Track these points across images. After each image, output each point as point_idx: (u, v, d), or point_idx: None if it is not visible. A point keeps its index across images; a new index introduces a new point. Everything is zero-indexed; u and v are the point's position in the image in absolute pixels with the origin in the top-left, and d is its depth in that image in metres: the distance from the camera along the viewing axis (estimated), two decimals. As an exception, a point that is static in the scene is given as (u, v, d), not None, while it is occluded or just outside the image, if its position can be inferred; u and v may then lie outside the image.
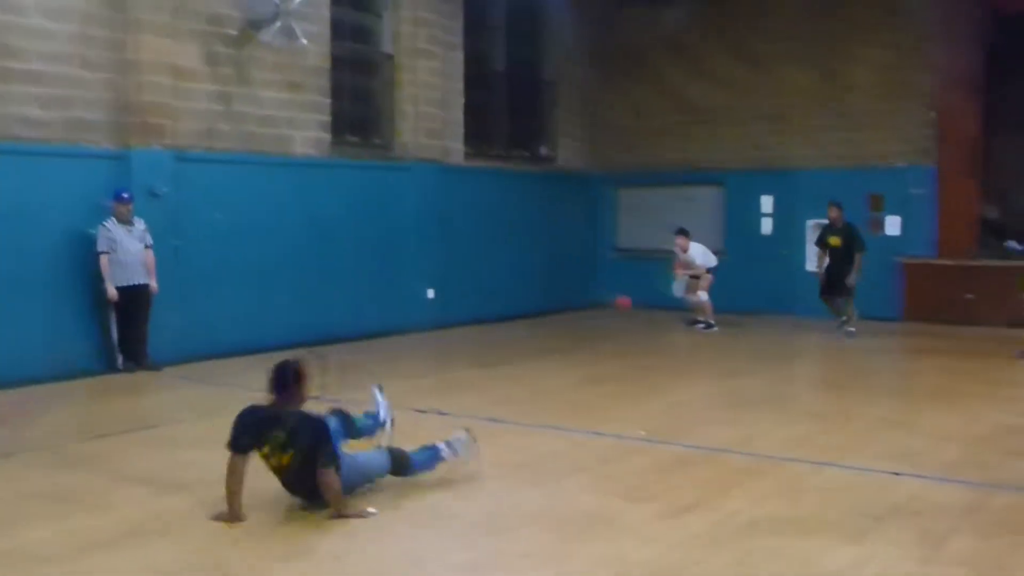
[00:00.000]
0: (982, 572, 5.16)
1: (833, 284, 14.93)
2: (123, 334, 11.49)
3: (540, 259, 17.84)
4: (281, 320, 13.14)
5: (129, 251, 11.34)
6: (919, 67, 16.48)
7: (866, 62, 16.89)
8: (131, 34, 11.58)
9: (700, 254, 15.87)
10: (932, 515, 6.10)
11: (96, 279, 11.26)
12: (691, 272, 15.84)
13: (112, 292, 11.23)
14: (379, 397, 7.42)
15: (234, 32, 12.70)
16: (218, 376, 11.23)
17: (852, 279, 14.70)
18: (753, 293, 17.37)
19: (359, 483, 6.29)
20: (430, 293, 15.39)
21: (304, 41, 13.01)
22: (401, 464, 6.51)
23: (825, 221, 15.43)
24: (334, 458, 5.94)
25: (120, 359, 11.47)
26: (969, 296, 15.88)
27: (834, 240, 14.97)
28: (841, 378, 11.88)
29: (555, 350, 13.84)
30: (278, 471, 6.03)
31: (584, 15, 18.61)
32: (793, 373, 12.39)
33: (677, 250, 15.92)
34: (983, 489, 6.71)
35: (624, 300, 15.81)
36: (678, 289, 15.98)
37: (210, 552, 5.42)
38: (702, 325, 15.74)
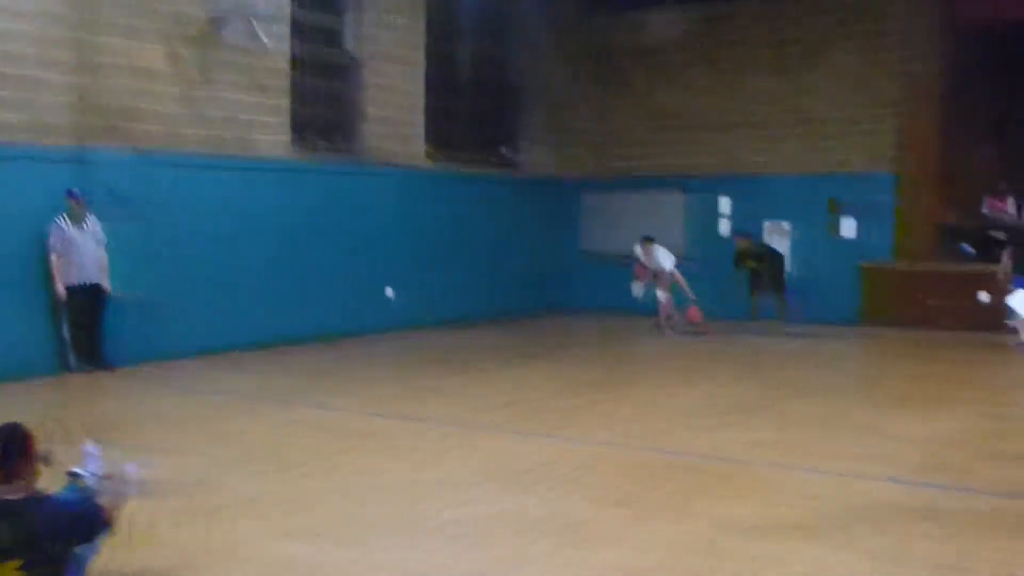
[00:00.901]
0: (943, 571, 5.23)
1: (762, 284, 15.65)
2: (76, 334, 11.34)
3: (506, 262, 17.84)
4: (243, 322, 13.06)
5: (82, 250, 11.22)
6: (882, 75, 16.69)
7: (830, 69, 17.07)
8: (93, 35, 11.48)
9: (663, 257, 15.92)
10: (894, 516, 6.18)
11: (51, 278, 11.16)
12: (655, 276, 15.90)
13: (60, 291, 11.11)
14: (93, 451, 4.76)
15: (196, 33, 12.61)
16: (175, 378, 11.12)
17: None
18: (713, 297, 17.46)
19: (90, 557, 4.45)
20: (388, 292, 15.30)
21: (267, 41, 12.93)
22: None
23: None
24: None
25: (72, 359, 11.32)
26: (928, 300, 16.09)
27: (750, 264, 15.66)
28: (804, 382, 11.97)
29: (524, 354, 13.75)
30: None
31: (552, 20, 18.64)
32: (757, 378, 12.46)
33: (641, 254, 15.97)
34: (948, 492, 6.80)
35: (695, 313, 15.64)
36: (637, 290, 16.05)
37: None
38: (702, 335, 15.82)
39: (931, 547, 5.64)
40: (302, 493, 6.69)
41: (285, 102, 13.90)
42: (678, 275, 15.79)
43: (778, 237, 17.25)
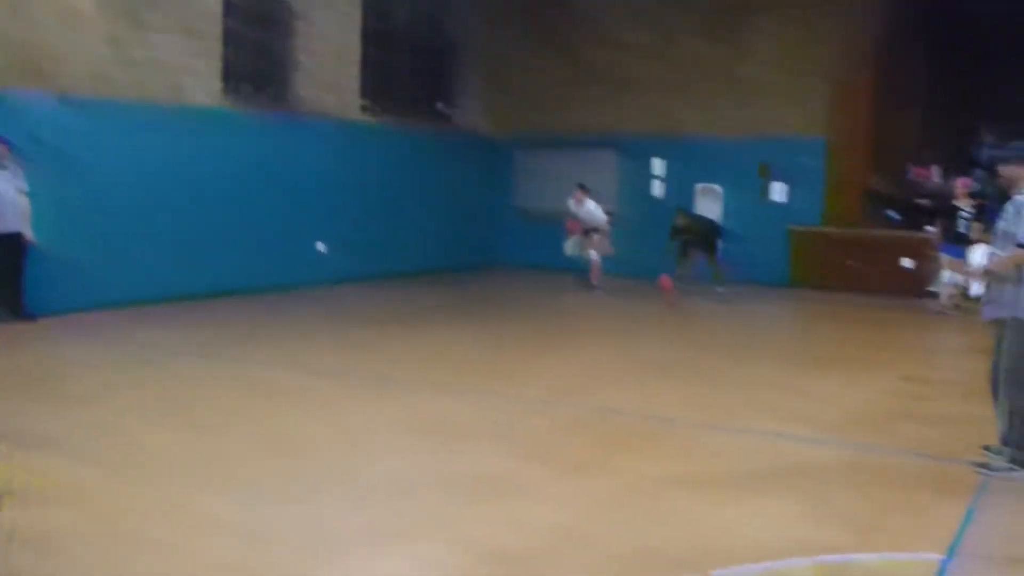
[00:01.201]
0: (861, 529, 5.35)
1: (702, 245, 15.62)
2: None
3: (439, 218, 17.77)
4: (170, 274, 12.87)
5: (3, 198, 10.91)
6: (816, 40, 16.83)
7: (764, 33, 17.17)
8: (16, -28, 11.14)
9: (593, 210, 15.95)
10: (814, 475, 6.31)
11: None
12: (587, 229, 15.92)
13: None
14: None
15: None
16: (98, 330, 10.92)
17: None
18: (645, 257, 17.59)
19: None
20: (320, 247, 15.20)
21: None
22: None
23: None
24: None
25: None
26: (853, 264, 16.38)
27: (687, 237, 15.62)
28: (731, 342, 12.13)
29: (454, 310, 13.85)
30: None
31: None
32: (684, 337, 12.61)
33: (573, 203, 15.99)
34: (865, 450, 6.95)
35: (667, 281, 15.54)
36: (570, 248, 16.10)
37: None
38: (595, 287, 15.92)
39: (851, 505, 5.77)
40: (225, 449, 6.62)
41: (217, 48, 13.62)
42: (605, 231, 15.85)
43: (710, 200, 17.40)
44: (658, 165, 18.14)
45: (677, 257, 15.53)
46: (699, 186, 17.49)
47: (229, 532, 5.06)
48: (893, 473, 6.47)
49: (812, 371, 9.98)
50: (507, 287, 16.79)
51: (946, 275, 13.91)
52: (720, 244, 15.37)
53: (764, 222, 16.62)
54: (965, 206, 14.01)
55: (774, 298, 15.86)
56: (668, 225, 16.07)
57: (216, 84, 13.64)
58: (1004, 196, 6.59)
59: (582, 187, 16.08)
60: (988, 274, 6.50)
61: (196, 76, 13.31)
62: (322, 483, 5.94)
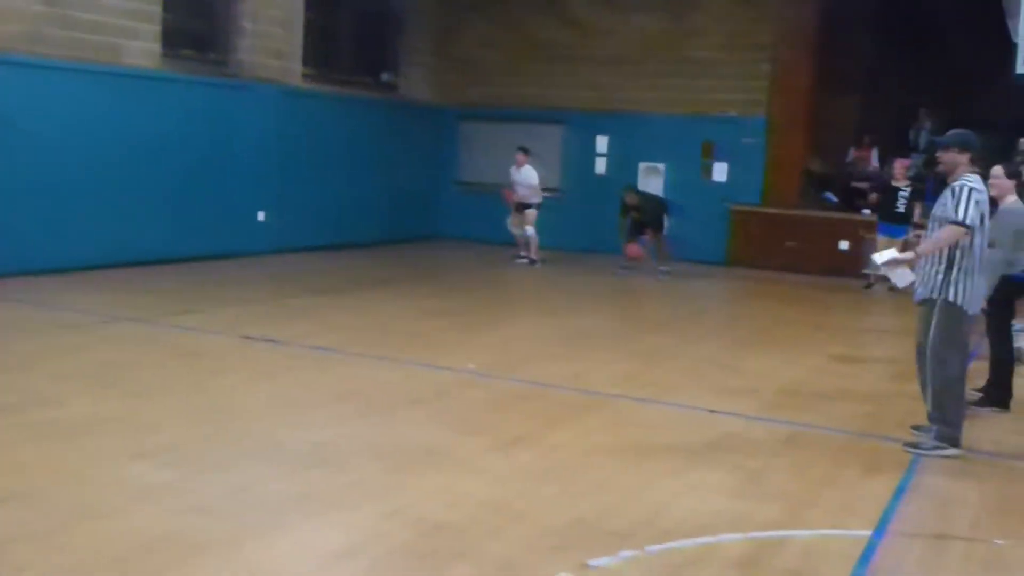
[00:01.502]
0: (793, 505, 5.43)
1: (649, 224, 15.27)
2: None
3: (380, 188, 17.64)
4: (106, 239, 12.63)
5: None
6: (758, 19, 16.93)
7: (709, 11, 17.23)
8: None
9: (531, 178, 15.91)
10: (748, 451, 6.39)
11: None
12: (520, 204, 15.90)
13: None
14: None
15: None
16: (29, 294, 10.70)
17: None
18: (586, 232, 17.69)
19: None
20: (260, 216, 15.07)
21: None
22: None
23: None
24: None
25: None
26: (790, 243, 16.57)
27: (636, 216, 15.27)
28: (668, 318, 12.24)
29: (392, 281, 13.81)
30: None
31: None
32: (622, 312, 12.70)
33: (513, 168, 15.98)
34: (794, 427, 7.05)
35: (634, 249, 15.46)
36: (513, 227, 16.07)
37: None
38: (524, 260, 15.91)
39: (784, 481, 5.86)
40: (155, 414, 6.55)
41: (157, 10, 13.37)
42: (537, 206, 15.86)
43: (653, 178, 17.46)
44: (603, 142, 18.16)
45: (628, 234, 15.44)
46: (642, 165, 17.54)
47: (165, 501, 5.00)
48: (825, 450, 6.57)
49: (747, 349, 10.10)
50: (448, 259, 16.75)
51: (879, 256, 14.09)
52: (667, 223, 15.23)
53: (705, 201, 16.74)
54: (903, 186, 14.23)
55: (713, 276, 16.00)
56: (612, 201, 16.11)
57: (155, 46, 13.38)
58: (942, 182, 6.69)
59: (523, 150, 16.04)
60: (919, 254, 6.59)
61: (135, 37, 13.05)
62: (257, 451, 5.90)
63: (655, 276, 14.98)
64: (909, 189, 14.21)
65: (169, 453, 5.75)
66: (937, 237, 6.42)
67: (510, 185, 15.97)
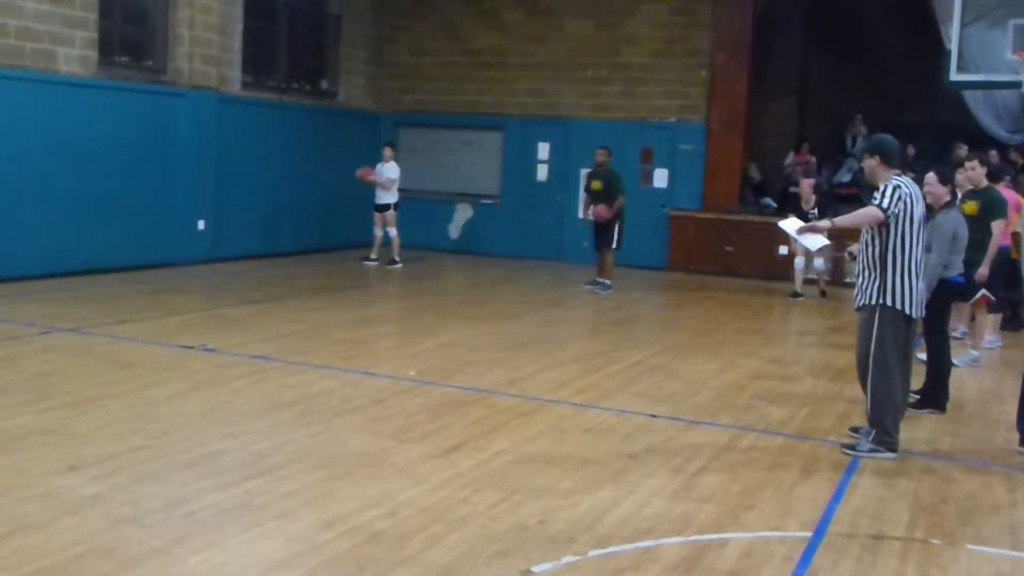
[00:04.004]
0: (730, 507, 5.48)
1: (598, 234, 14.60)
2: None
3: (318, 196, 17.54)
4: (35, 248, 12.42)
5: None
6: (694, 25, 17.11)
7: (644, 17, 17.38)
8: None
9: (391, 171, 15.84)
10: (685, 455, 6.43)
11: None
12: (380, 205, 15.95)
13: None
14: None
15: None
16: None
17: (612, 221, 14.41)
18: (526, 239, 17.74)
19: None
20: (201, 224, 14.91)
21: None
22: None
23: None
24: None
25: None
26: (729, 248, 16.74)
27: (596, 185, 14.54)
28: (606, 324, 12.28)
29: (330, 289, 13.74)
30: None
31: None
32: (560, 318, 12.72)
33: (379, 164, 15.93)
34: (732, 431, 7.12)
35: (366, 172, 15.58)
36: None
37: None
38: (375, 262, 15.96)
39: (723, 484, 5.91)
40: (89, 425, 6.45)
41: (93, 17, 13.17)
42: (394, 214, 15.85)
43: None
44: (544, 148, 18.20)
45: (586, 206, 14.88)
46: (584, 171, 17.46)
47: (96, 513, 4.92)
48: (763, 453, 6.63)
49: (686, 353, 10.17)
50: (386, 267, 16.67)
51: (800, 262, 14.31)
52: (619, 234, 14.69)
53: (645, 206, 16.84)
54: (809, 209, 13.95)
55: (652, 281, 16.10)
56: (553, 208, 16.10)
57: (89, 53, 13.18)
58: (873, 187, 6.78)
59: (390, 145, 16.16)
60: (836, 224, 6.68)
61: (68, 44, 12.84)
62: (194, 462, 5.82)
63: (594, 286, 14.66)
64: (816, 211, 13.88)
65: (103, 464, 5.65)
66: (855, 213, 6.55)
67: (375, 173, 15.90)
